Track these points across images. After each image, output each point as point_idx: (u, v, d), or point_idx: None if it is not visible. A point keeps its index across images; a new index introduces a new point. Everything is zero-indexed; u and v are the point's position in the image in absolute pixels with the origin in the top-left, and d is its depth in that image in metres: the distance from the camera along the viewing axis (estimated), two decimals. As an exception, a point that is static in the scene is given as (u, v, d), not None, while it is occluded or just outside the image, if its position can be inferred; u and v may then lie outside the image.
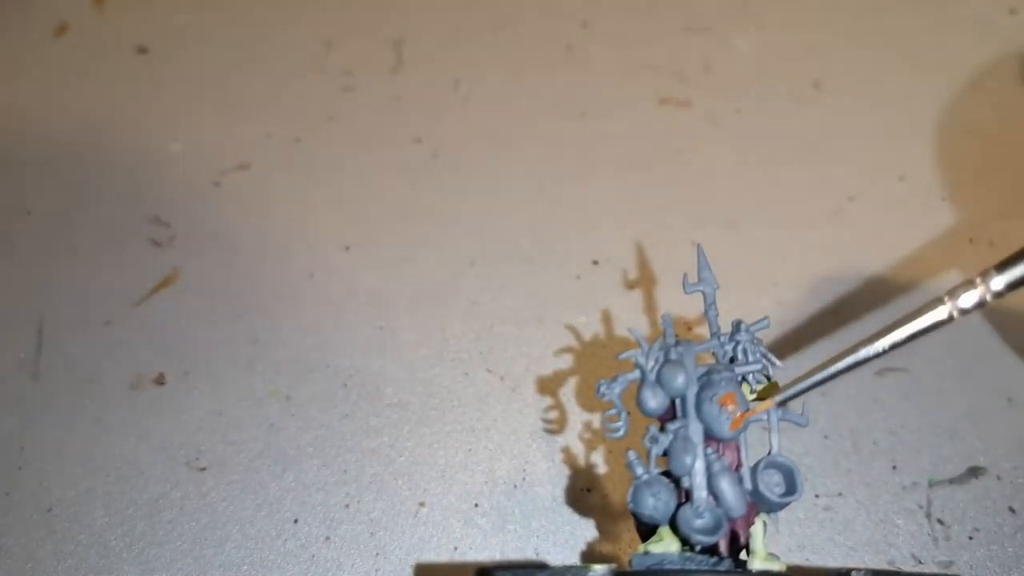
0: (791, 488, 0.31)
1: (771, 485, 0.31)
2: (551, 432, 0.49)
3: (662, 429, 0.31)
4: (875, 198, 0.61)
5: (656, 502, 0.30)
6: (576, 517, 0.46)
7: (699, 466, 0.30)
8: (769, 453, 0.32)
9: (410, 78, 0.70)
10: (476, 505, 0.47)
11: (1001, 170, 0.63)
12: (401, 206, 0.61)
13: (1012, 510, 0.46)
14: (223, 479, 0.48)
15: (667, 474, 0.31)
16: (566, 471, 0.48)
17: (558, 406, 0.51)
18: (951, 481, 0.47)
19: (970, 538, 0.45)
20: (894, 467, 0.47)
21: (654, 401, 0.32)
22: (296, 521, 0.46)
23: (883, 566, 0.44)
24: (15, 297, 0.57)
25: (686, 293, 0.36)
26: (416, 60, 0.72)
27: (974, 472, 0.47)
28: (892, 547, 0.44)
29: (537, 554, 0.45)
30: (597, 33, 0.74)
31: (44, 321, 0.55)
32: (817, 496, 0.46)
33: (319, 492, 0.47)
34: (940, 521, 0.45)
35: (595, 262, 0.58)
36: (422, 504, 0.47)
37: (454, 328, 0.54)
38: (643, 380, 0.32)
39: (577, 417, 0.50)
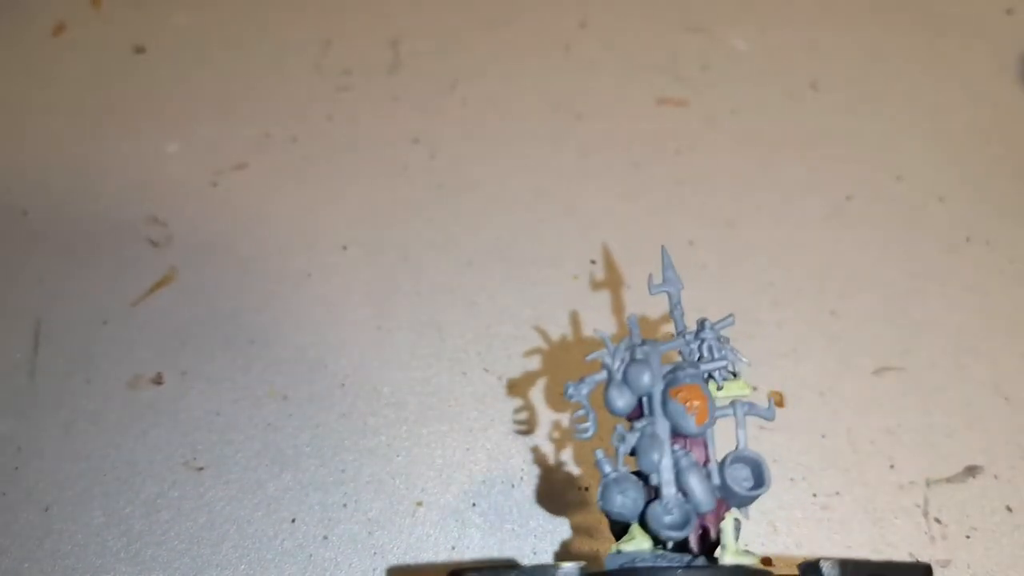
0: (759, 481, 0.31)
1: (739, 479, 0.31)
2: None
3: (631, 428, 0.31)
4: (872, 198, 0.61)
5: (624, 499, 0.30)
6: (574, 516, 0.46)
7: (667, 463, 0.30)
8: (736, 447, 0.32)
9: (408, 78, 0.70)
10: (474, 505, 0.47)
11: (998, 170, 0.63)
12: (399, 206, 0.61)
13: (1009, 509, 0.46)
14: (221, 479, 0.48)
15: (638, 473, 0.32)
16: (564, 470, 0.48)
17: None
18: (949, 480, 0.47)
19: (967, 537, 0.45)
20: (892, 466, 0.47)
21: (621, 400, 0.32)
22: (294, 521, 0.46)
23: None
24: (12, 297, 0.56)
25: (651, 294, 0.37)
26: (414, 60, 0.72)
27: (971, 471, 0.47)
28: (890, 546, 0.44)
29: (535, 553, 0.45)
30: (595, 33, 0.74)
31: (41, 321, 0.55)
32: (815, 495, 0.46)
33: (317, 492, 0.47)
34: (938, 520, 0.45)
35: (592, 262, 0.58)
36: (420, 504, 0.47)
37: (452, 328, 0.54)
38: (610, 380, 0.32)
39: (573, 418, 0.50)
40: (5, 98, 0.70)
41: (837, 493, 0.46)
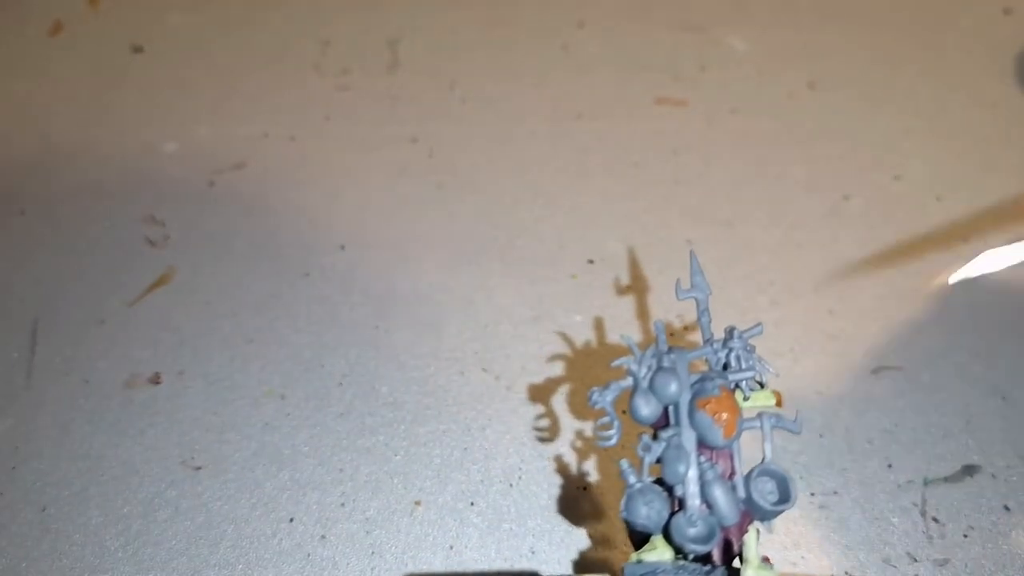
0: (784, 496, 0.31)
1: (764, 493, 0.31)
2: (543, 440, 0.49)
3: (655, 437, 0.31)
4: (870, 197, 0.61)
5: (649, 511, 0.30)
6: (572, 516, 0.46)
7: (692, 474, 0.30)
8: (763, 461, 0.31)
9: (406, 78, 0.70)
10: (472, 504, 0.47)
11: (996, 169, 0.63)
12: (397, 205, 0.61)
13: (1007, 508, 0.46)
14: (218, 478, 0.48)
15: (660, 482, 0.31)
16: (562, 470, 0.48)
17: (549, 413, 0.51)
18: (946, 479, 0.47)
19: (965, 536, 0.45)
20: (889, 465, 0.47)
21: (647, 409, 0.31)
22: (292, 520, 0.46)
23: (878, 565, 0.44)
24: (9, 296, 0.56)
25: (679, 299, 0.36)
26: (412, 60, 0.72)
27: (969, 470, 0.47)
28: (887, 545, 0.44)
29: (533, 552, 0.45)
30: (593, 33, 0.74)
31: (39, 320, 0.55)
32: (812, 494, 0.46)
33: (315, 491, 0.47)
34: (935, 519, 0.45)
35: (591, 261, 0.58)
36: (418, 503, 0.47)
37: (449, 327, 0.54)
38: (636, 387, 0.32)
39: (572, 418, 0.50)
40: (3, 97, 0.70)
41: (835, 492, 0.46)
